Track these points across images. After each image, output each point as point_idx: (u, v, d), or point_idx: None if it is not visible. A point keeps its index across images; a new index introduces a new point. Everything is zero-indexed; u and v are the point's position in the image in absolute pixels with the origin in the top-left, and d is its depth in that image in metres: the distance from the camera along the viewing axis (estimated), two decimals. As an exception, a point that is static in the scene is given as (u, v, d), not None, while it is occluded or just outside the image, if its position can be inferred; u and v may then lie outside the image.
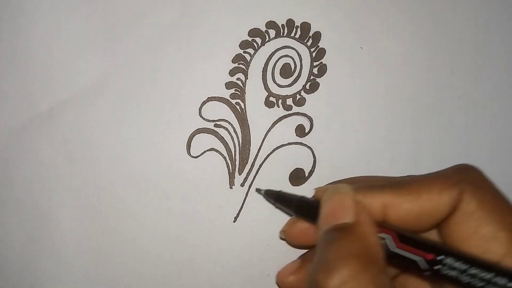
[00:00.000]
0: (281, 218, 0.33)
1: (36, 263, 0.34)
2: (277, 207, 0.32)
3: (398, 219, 0.23)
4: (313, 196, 0.29)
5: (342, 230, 0.22)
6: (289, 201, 0.29)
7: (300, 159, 0.33)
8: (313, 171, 0.33)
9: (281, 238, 0.31)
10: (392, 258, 0.22)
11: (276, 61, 0.34)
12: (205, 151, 0.33)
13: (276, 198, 0.30)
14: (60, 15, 0.34)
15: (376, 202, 0.23)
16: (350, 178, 0.30)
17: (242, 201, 0.33)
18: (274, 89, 0.34)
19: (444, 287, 0.23)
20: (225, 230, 0.33)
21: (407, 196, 0.23)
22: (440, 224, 0.23)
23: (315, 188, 0.29)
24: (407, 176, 0.25)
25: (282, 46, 0.34)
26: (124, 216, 0.33)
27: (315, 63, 0.34)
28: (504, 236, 0.21)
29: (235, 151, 0.34)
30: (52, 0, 0.34)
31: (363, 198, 0.23)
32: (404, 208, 0.23)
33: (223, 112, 0.34)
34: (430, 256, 0.21)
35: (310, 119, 0.33)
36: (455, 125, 0.33)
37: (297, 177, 0.33)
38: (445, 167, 0.33)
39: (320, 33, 0.34)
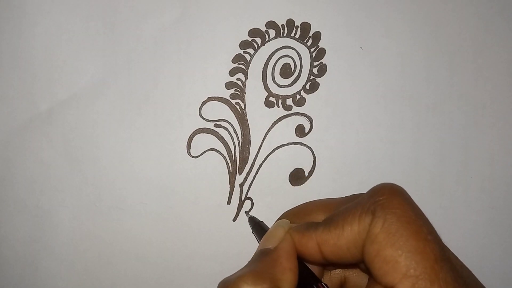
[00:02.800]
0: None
1: (36, 262, 0.34)
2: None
3: (332, 254, 0.24)
4: None
5: (261, 253, 0.25)
6: (256, 228, 0.31)
7: (300, 159, 0.33)
8: (313, 171, 0.33)
9: None
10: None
11: (276, 61, 0.34)
12: (205, 151, 0.34)
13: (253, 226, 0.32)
14: (61, 16, 0.34)
15: (312, 241, 0.25)
16: (307, 203, 0.30)
17: (242, 201, 0.33)
18: (274, 89, 0.34)
19: None
20: (225, 229, 0.33)
21: (334, 231, 0.24)
22: None
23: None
24: (340, 209, 0.26)
25: (282, 46, 0.34)
26: (125, 216, 0.33)
27: (315, 63, 0.34)
28: (402, 261, 0.20)
29: (235, 151, 0.34)
30: (53, 0, 0.34)
31: (301, 238, 0.25)
32: (333, 244, 0.24)
33: (223, 112, 0.34)
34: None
35: (310, 119, 0.33)
36: (455, 125, 0.34)
37: (297, 177, 0.33)
38: (445, 167, 0.34)
39: (320, 33, 0.34)
